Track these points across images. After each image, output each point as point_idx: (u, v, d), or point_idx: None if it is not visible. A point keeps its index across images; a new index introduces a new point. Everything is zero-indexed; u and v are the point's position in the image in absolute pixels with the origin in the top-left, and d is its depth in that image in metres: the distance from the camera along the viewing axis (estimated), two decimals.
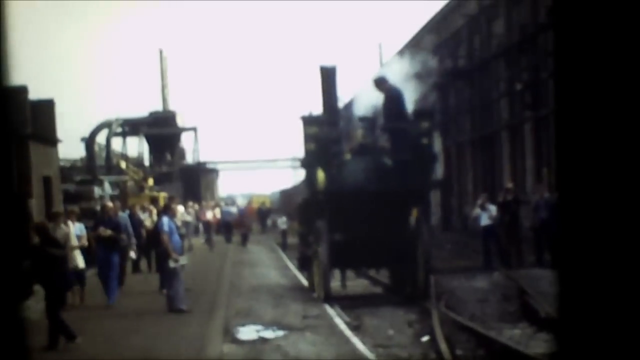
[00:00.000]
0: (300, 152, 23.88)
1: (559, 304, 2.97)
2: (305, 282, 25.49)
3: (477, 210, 28.15)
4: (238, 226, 50.52)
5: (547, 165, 34.59)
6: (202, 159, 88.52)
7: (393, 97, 22.08)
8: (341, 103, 24.98)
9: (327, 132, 22.12)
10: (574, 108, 2.86)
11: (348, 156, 22.22)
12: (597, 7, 2.88)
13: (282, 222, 50.40)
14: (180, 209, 29.47)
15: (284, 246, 45.73)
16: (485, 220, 27.47)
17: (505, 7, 40.08)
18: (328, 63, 23.08)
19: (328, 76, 22.85)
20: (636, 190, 2.74)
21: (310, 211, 23.40)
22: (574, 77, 2.89)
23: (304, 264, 25.38)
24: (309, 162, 22.90)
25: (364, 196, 21.33)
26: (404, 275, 22.43)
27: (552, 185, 32.17)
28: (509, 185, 31.07)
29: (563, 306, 2.96)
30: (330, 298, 20.88)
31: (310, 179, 23.00)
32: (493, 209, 27.77)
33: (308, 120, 22.50)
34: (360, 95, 24.30)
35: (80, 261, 19.65)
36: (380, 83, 22.55)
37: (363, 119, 23.09)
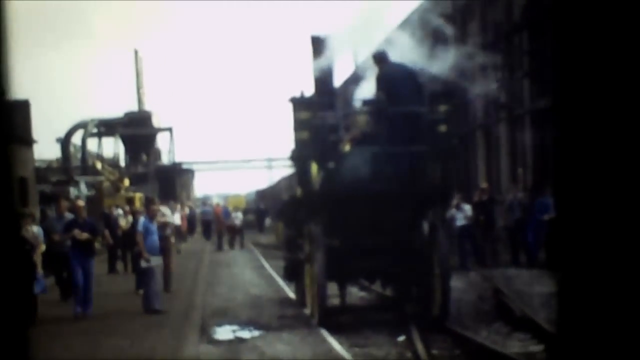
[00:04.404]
0: (287, 144, 20.74)
1: (558, 310, 2.93)
2: (291, 294, 22.52)
3: (452, 211, 28.18)
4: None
5: (522, 165, 34.73)
6: (177, 159, 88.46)
7: (406, 76, 18.30)
8: (338, 81, 21.30)
9: (322, 117, 18.47)
10: (573, 103, 2.77)
11: (348, 147, 18.45)
12: None
13: (235, 216, 48.21)
14: (165, 210, 29.15)
15: (232, 244, 45.87)
16: (460, 221, 27.58)
17: (480, 6, 40.21)
18: (321, 32, 19.65)
19: (321, 48, 19.49)
20: (636, 188, 2.68)
21: (301, 212, 19.81)
22: (573, 71, 2.78)
23: (292, 274, 21.46)
24: (300, 155, 19.15)
25: (367, 196, 17.82)
26: (415, 291, 18.88)
27: (526, 186, 32.35)
28: (484, 185, 31.17)
29: (562, 313, 2.92)
30: (327, 318, 17.30)
31: (301, 174, 19.48)
32: (468, 209, 27.89)
33: (299, 103, 18.71)
34: (362, 72, 20.99)
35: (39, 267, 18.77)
36: (381, 59, 18.67)
37: (366, 102, 18.97)
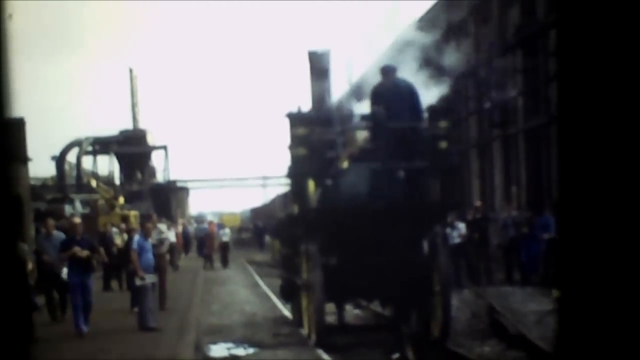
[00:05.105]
0: (282, 162, 20.07)
1: (558, 328, 2.89)
2: (286, 312, 22.29)
3: (447, 229, 28.17)
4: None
5: (515, 183, 34.82)
6: (172, 177, 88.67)
7: (402, 92, 17.73)
8: (336, 96, 20.75)
9: (320, 133, 17.91)
10: (577, 115, 2.75)
11: (346, 164, 17.74)
12: (602, 8, 2.72)
13: (223, 233, 47.58)
14: (162, 227, 29.15)
15: (225, 262, 45.33)
16: (454, 239, 27.60)
17: (473, 25, 40.38)
18: (318, 47, 19.18)
19: (319, 63, 19.08)
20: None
21: (298, 230, 19.27)
22: (577, 83, 2.76)
23: (289, 293, 20.87)
24: (297, 171, 18.58)
25: (366, 214, 17.17)
26: (415, 310, 18.29)
27: (520, 204, 32.43)
28: (478, 203, 31.26)
29: (562, 331, 2.87)
30: (325, 338, 16.87)
31: (298, 191, 18.81)
32: (462, 227, 27.92)
33: (296, 119, 18.15)
34: (360, 87, 20.50)
35: None
36: (388, 72, 18.13)
37: (364, 117, 18.18)
